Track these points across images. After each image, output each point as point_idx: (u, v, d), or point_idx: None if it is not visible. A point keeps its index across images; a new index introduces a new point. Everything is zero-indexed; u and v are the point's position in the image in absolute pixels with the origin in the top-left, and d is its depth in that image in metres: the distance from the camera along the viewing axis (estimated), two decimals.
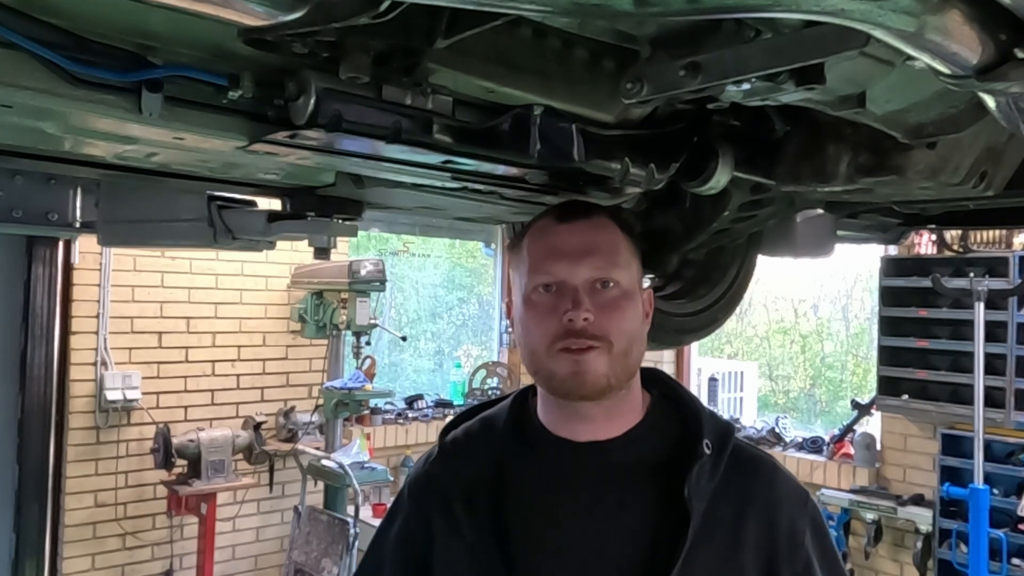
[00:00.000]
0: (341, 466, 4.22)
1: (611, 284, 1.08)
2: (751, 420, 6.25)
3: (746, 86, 0.96)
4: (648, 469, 1.10)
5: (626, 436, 1.12)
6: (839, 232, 2.30)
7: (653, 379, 1.19)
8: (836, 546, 1.14)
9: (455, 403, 5.99)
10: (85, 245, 4.22)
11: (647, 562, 1.03)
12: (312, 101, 1.11)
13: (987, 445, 4.09)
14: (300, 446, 4.68)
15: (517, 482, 1.11)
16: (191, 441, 4.27)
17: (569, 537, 1.06)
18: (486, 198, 1.72)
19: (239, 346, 4.89)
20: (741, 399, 6.79)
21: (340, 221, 1.80)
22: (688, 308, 2.49)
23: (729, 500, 1.08)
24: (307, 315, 4.79)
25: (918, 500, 4.65)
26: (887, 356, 4.74)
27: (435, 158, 1.32)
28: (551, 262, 1.09)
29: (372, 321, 4.64)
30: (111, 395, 4.32)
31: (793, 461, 5.17)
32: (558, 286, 1.08)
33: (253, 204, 1.93)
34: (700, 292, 2.51)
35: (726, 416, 4.99)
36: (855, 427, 5.19)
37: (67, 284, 4.30)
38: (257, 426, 4.55)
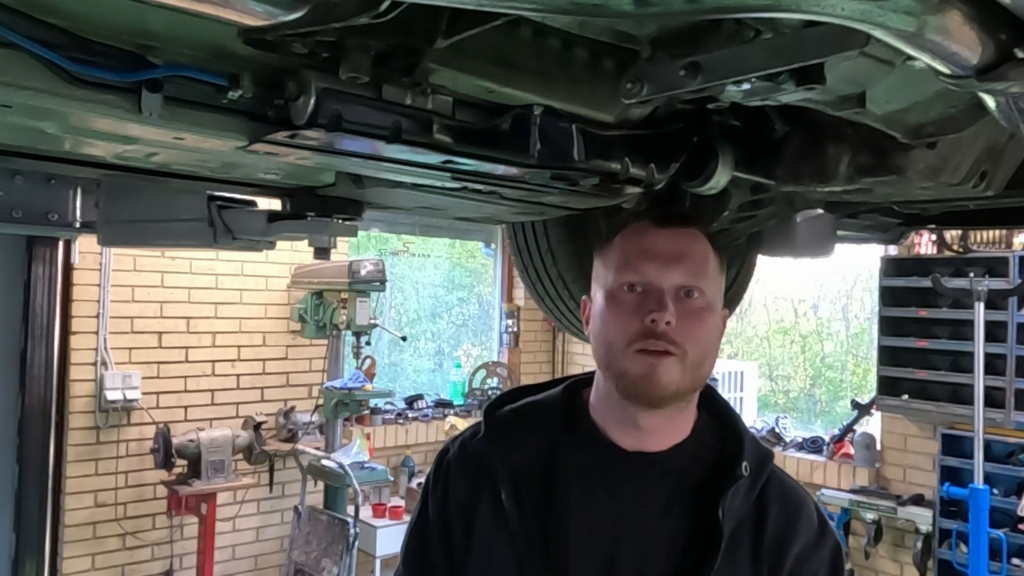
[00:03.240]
0: (341, 466, 4.22)
1: (696, 294, 1.08)
2: (751, 420, 6.25)
3: (746, 86, 0.96)
4: (687, 485, 1.11)
5: (672, 450, 1.13)
6: (839, 232, 2.30)
7: (704, 395, 1.19)
8: None
9: (455, 403, 5.99)
10: (85, 245, 4.22)
11: (674, 574, 1.05)
12: (312, 101, 1.11)
13: (987, 445, 4.08)
14: (300, 446, 4.68)
15: (563, 478, 1.11)
16: (191, 441, 4.27)
17: (605, 541, 1.08)
18: (486, 198, 1.72)
19: (239, 346, 4.89)
20: (741, 399, 6.79)
21: (340, 221, 1.79)
22: None
23: (755, 523, 1.09)
24: (307, 315, 4.79)
25: (918, 500, 4.65)
26: (887, 356, 4.73)
27: (435, 158, 1.32)
28: (643, 263, 1.09)
29: (372, 321, 4.63)
30: (111, 395, 4.32)
31: (793, 461, 5.17)
32: (645, 287, 1.08)
33: (253, 204, 1.93)
34: None
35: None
36: (855, 427, 5.18)
37: (67, 284, 4.30)
38: (257, 426, 4.55)
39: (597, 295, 1.14)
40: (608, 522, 1.08)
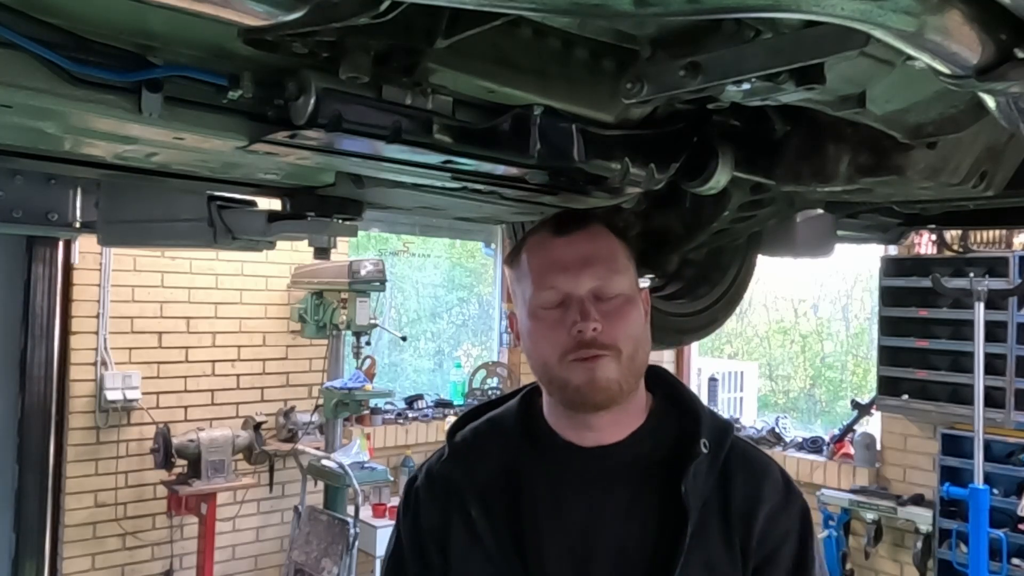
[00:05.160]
0: (341, 466, 4.22)
1: (613, 291, 1.10)
2: (751, 420, 6.25)
3: (746, 86, 0.96)
4: (649, 469, 1.12)
5: (630, 438, 1.14)
6: (839, 232, 2.30)
7: (656, 379, 1.21)
8: (823, 566, 1.14)
9: (455, 403, 5.98)
10: (85, 245, 4.22)
11: (649, 560, 1.06)
12: (312, 101, 1.11)
13: (987, 445, 4.08)
14: (300, 446, 4.68)
15: (528, 485, 1.13)
16: (191, 441, 4.27)
17: (577, 537, 1.09)
18: (486, 198, 1.72)
19: (239, 346, 4.89)
20: (741, 399, 6.79)
21: (340, 221, 1.79)
22: (688, 308, 2.49)
23: (720, 497, 1.10)
24: (307, 315, 4.79)
25: (918, 500, 4.65)
26: (887, 356, 4.73)
27: (435, 158, 1.32)
28: (553, 275, 1.10)
29: (372, 321, 4.63)
30: (111, 395, 4.32)
31: (793, 461, 5.17)
32: (563, 299, 1.10)
33: (253, 204, 1.93)
34: (700, 292, 2.51)
35: (726, 415, 4.95)
36: (855, 427, 5.18)
37: (67, 284, 4.30)
38: (257, 426, 4.55)
39: (520, 314, 1.15)
40: (579, 521, 1.10)
